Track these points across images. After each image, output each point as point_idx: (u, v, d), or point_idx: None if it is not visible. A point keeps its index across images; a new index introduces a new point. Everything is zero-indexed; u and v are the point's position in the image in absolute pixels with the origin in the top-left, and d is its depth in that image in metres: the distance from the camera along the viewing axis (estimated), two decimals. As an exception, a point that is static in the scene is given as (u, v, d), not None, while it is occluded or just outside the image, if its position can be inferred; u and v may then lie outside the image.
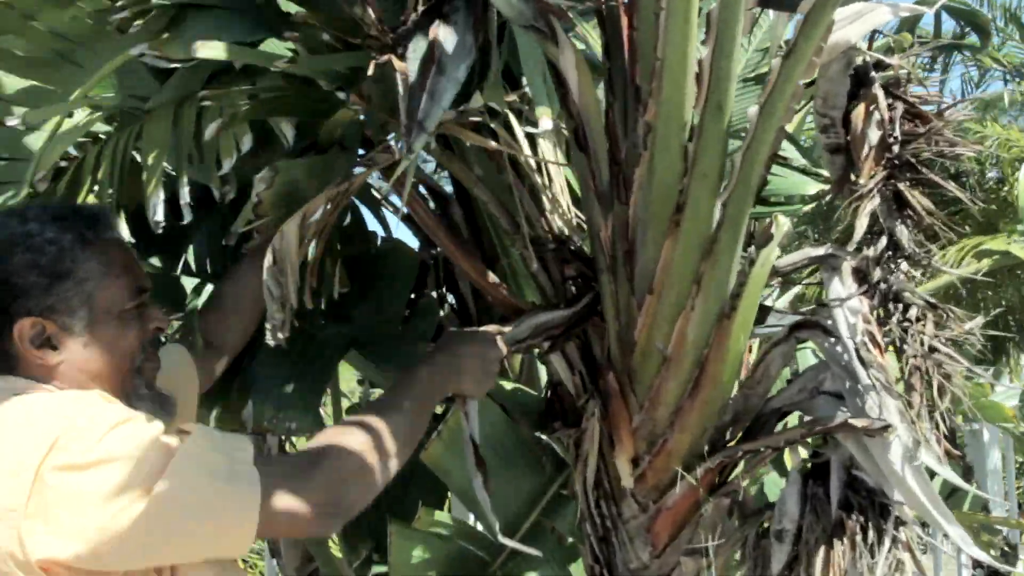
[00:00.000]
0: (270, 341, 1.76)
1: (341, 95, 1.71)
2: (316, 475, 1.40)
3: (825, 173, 2.23)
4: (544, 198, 1.95)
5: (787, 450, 1.89)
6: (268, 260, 1.69)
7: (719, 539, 1.85)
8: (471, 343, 1.76)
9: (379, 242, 2.32)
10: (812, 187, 2.31)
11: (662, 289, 1.74)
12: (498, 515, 2.10)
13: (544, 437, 2.12)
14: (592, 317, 1.89)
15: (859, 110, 1.66)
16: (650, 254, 1.74)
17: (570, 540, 2.45)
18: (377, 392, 2.65)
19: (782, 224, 1.60)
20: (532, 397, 2.32)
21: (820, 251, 1.73)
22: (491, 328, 1.84)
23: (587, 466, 1.95)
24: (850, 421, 1.59)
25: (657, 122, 1.64)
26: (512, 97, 1.77)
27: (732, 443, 1.80)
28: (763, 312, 1.89)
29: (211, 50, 1.55)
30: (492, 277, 1.93)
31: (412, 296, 2.28)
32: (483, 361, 1.76)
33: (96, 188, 1.78)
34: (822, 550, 1.65)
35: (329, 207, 1.76)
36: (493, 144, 1.76)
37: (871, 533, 1.65)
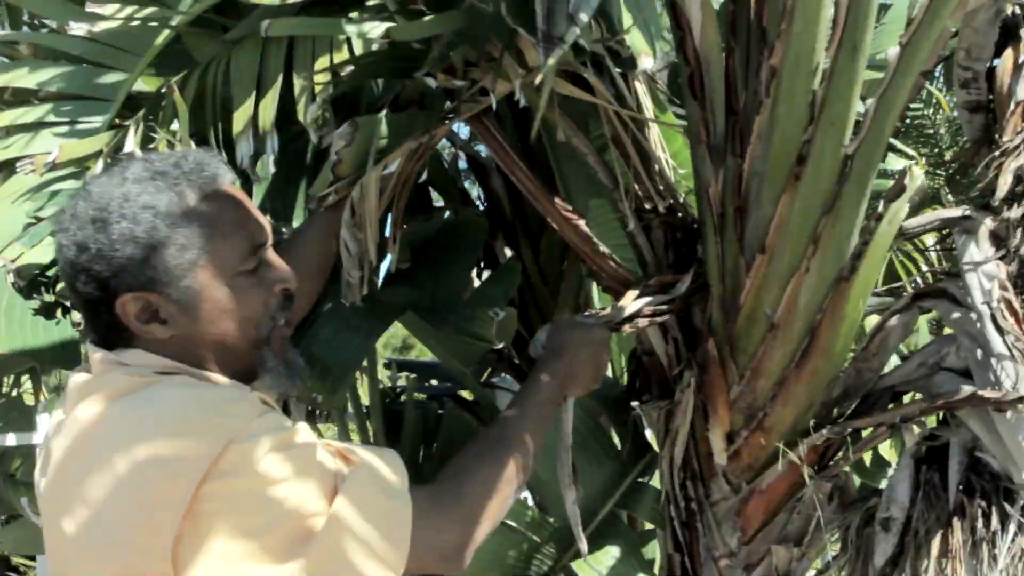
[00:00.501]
0: (345, 301, 1.68)
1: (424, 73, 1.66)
2: (455, 512, 1.30)
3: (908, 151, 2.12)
4: (645, 154, 1.85)
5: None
6: (346, 215, 1.62)
7: (817, 526, 1.74)
8: (584, 340, 1.62)
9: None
10: (897, 163, 2.21)
11: (775, 249, 1.65)
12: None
13: (628, 415, 2.02)
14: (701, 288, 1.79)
15: (1006, 64, 1.57)
16: (764, 211, 1.65)
17: (646, 526, 2.35)
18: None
19: (916, 176, 1.51)
20: (607, 379, 2.22)
21: (955, 212, 1.63)
22: (600, 314, 1.73)
23: (676, 443, 1.85)
24: (980, 393, 1.48)
25: (784, 66, 1.56)
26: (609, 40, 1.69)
27: (840, 420, 1.68)
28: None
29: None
30: (602, 247, 1.83)
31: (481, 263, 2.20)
32: (595, 361, 1.63)
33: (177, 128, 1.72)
34: (936, 540, 1.53)
35: (410, 160, 1.69)
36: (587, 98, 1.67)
37: (994, 520, 1.53)
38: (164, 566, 1.08)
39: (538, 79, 1.38)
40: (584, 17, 1.33)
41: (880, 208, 1.56)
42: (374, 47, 1.64)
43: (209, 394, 1.19)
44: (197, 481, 1.07)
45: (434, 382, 2.59)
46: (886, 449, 2.62)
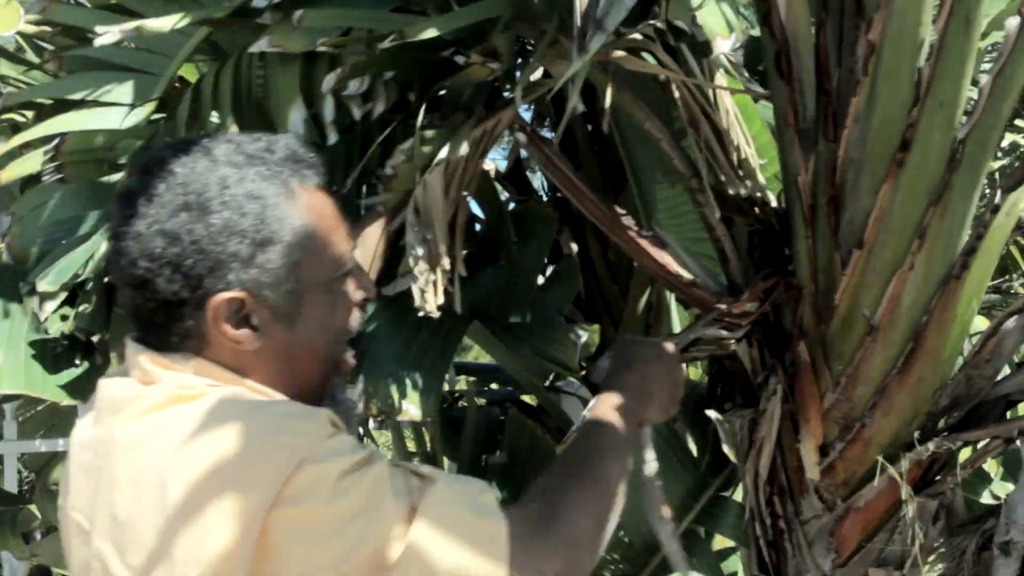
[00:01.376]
0: (423, 310, 1.55)
1: (460, 59, 1.55)
2: (555, 535, 1.12)
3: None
4: (725, 141, 1.73)
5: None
6: (411, 216, 1.52)
7: (921, 549, 1.61)
8: (655, 355, 1.42)
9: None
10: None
11: (874, 243, 1.53)
12: (647, 522, 1.91)
13: (707, 422, 1.90)
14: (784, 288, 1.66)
15: None
16: (862, 202, 1.53)
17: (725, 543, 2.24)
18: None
19: (1040, 163, 1.36)
20: (687, 383, 2.10)
21: (1082, 202, 1.49)
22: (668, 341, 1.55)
23: (761, 455, 1.73)
24: (1117, 405, 1.34)
25: (884, 41, 1.43)
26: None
27: (948, 433, 1.55)
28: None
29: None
30: (684, 273, 1.70)
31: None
32: (672, 377, 1.42)
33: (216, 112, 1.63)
34: (1066, 565, 1.40)
35: (475, 149, 1.59)
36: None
37: None
38: None
39: (566, 75, 1.26)
40: (611, 25, 1.21)
41: (996, 198, 1.42)
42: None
43: (276, 408, 1.06)
44: (266, 507, 0.96)
45: (494, 386, 2.49)
46: (988, 461, 2.47)
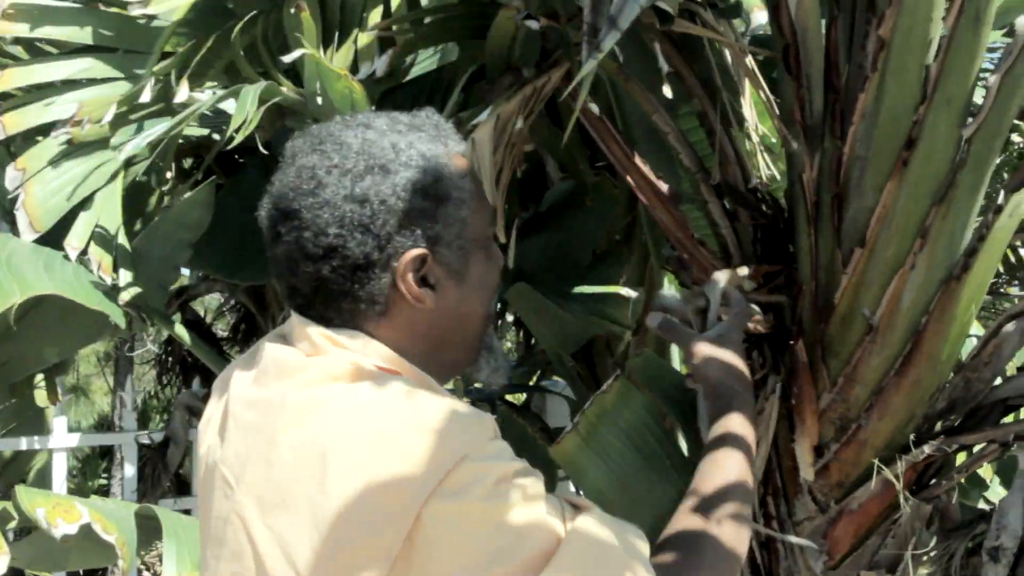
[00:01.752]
0: None
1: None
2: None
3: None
4: (732, 134, 1.73)
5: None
6: None
7: (914, 553, 1.60)
8: (739, 357, 1.43)
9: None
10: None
11: (876, 242, 1.52)
12: (637, 523, 1.90)
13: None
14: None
15: None
16: (866, 200, 1.53)
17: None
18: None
19: (1045, 163, 1.37)
20: (682, 380, 2.10)
21: (1087, 204, 1.48)
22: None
23: (757, 455, 1.72)
24: (1115, 410, 1.34)
25: (894, 36, 1.44)
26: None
27: (944, 436, 1.55)
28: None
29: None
30: (684, 221, 1.71)
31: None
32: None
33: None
34: (1057, 571, 1.39)
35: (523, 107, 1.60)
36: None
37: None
38: None
39: (579, 75, 1.27)
40: (625, 23, 1.22)
41: (1000, 199, 1.42)
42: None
43: (447, 402, 1.05)
44: (423, 498, 0.96)
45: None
46: (983, 467, 2.47)
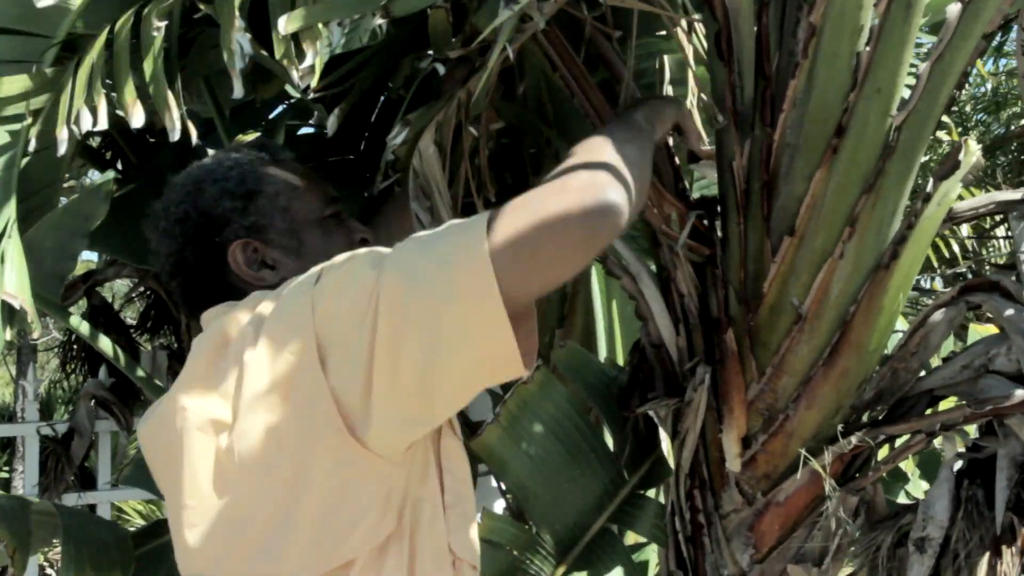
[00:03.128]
0: None
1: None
2: (555, 186, 1.11)
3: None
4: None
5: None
6: (411, 184, 1.58)
7: (840, 545, 1.62)
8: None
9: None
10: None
11: (805, 231, 1.54)
12: (561, 518, 1.89)
13: (629, 413, 1.89)
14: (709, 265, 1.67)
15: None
16: (795, 188, 1.55)
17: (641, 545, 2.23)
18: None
19: (972, 151, 1.39)
20: (606, 372, 2.10)
21: (1013, 195, 1.52)
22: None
23: (684, 446, 1.73)
24: (1037, 400, 1.37)
25: (825, 23, 1.45)
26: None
27: (871, 427, 1.57)
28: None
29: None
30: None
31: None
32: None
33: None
34: (984, 561, 1.42)
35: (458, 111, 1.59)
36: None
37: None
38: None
39: (489, 27, 1.24)
40: None
41: (929, 187, 1.44)
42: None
43: None
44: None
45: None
46: (906, 460, 2.51)
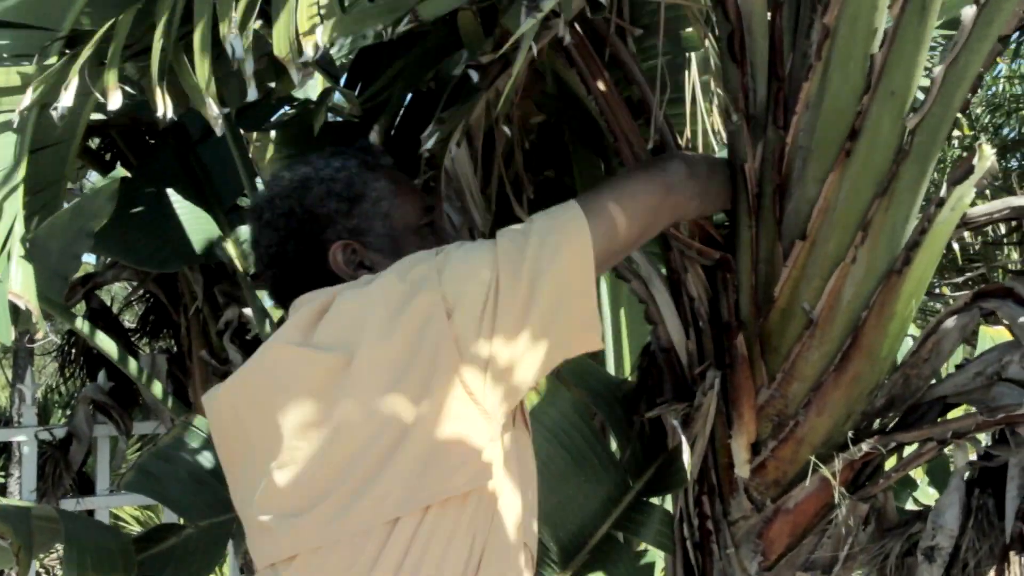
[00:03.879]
0: None
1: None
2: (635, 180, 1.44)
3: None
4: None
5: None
6: (443, 186, 1.61)
7: (850, 553, 1.62)
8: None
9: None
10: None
11: (818, 235, 1.54)
12: (566, 525, 1.89)
13: (637, 417, 1.89)
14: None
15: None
16: (808, 191, 1.55)
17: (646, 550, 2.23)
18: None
19: (986, 156, 1.40)
20: (611, 378, 2.11)
21: (1027, 200, 1.52)
22: None
23: (693, 452, 1.73)
24: (1050, 408, 1.37)
25: (840, 25, 1.46)
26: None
27: (882, 434, 1.57)
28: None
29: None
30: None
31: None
32: None
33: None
34: (993, 571, 1.42)
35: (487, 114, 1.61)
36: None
37: (1058, 555, 1.42)
38: None
39: (515, 35, 1.27)
40: None
41: (943, 192, 1.44)
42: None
43: None
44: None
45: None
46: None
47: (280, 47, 1.35)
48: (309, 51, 1.32)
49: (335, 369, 1.24)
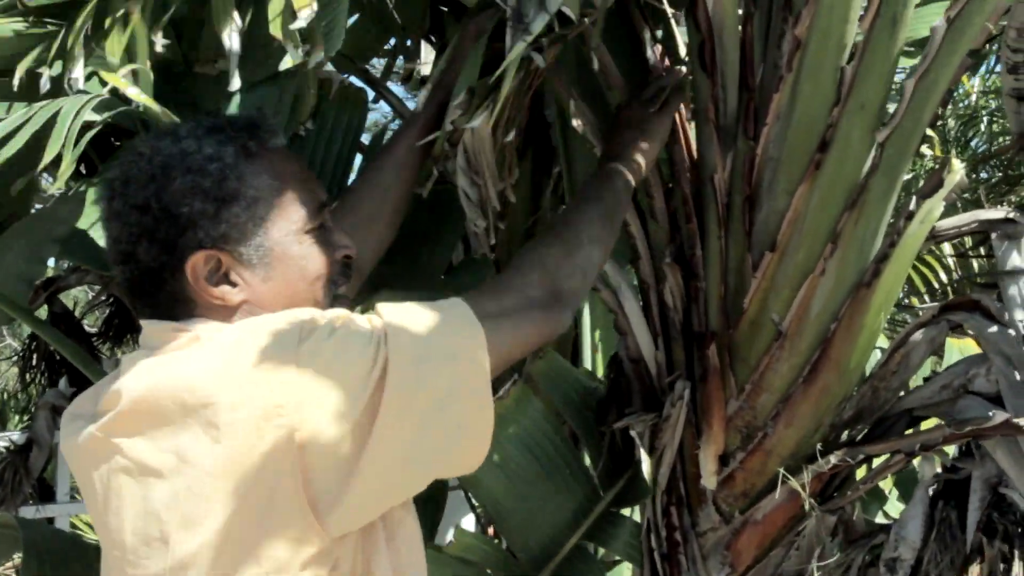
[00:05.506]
0: (475, 254, 1.71)
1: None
2: (516, 282, 1.31)
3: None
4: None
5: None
6: (460, 161, 1.55)
7: (817, 564, 1.63)
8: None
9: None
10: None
11: (787, 246, 1.56)
12: (535, 535, 1.89)
13: (606, 428, 1.89)
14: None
15: (1061, 47, 1.49)
16: (777, 203, 1.57)
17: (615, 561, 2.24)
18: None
19: (956, 170, 1.42)
20: (586, 383, 2.10)
21: (996, 214, 1.54)
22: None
23: (662, 463, 1.74)
24: (1015, 421, 1.39)
25: (810, 37, 1.47)
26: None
27: (850, 446, 1.58)
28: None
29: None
30: None
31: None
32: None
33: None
34: (952, 583, 1.44)
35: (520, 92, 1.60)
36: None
37: (1016, 566, 1.45)
38: None
39: (508, 58, 1.27)
40: (553, 6, 1.23)
41: (912, 205, 1.46)
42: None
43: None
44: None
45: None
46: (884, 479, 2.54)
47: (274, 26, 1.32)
48: (303, 19, 1.28)
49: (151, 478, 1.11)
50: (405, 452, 1.13)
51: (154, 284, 1.21)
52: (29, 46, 1.49)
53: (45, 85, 1.37)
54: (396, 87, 3.08)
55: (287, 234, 1.23)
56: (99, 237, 2.56)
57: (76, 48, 1.36)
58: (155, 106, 1.40)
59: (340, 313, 1.16)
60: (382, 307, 1.18)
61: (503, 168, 1.64)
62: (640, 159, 1.55)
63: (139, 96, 1.39)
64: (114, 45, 1.35)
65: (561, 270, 1.34)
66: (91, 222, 1.92)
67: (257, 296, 1.22)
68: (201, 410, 1.08)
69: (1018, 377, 1.44)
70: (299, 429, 1.07)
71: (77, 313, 3.91)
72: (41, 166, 1.37)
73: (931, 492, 1.58)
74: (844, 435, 1.64)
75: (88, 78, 1.50)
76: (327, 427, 1.08)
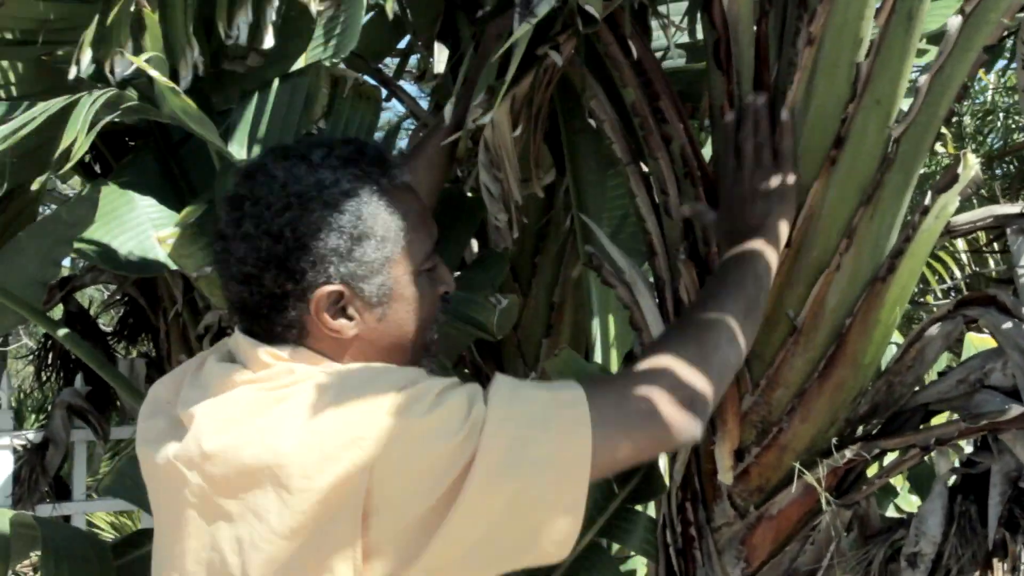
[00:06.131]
0: (496, 247, 1.74)
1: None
2: (644, 384, 1.23)
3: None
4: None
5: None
6: (482, 156, 1.57)
7: (832, 560, 1.64)
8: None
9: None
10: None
11: (802, 242, 1.56)
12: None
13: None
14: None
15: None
16: (793, 199, 1.56)
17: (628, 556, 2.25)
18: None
19: (971, 165, 1.42)
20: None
21: (1012, 209, 1.55)
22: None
23: (676, 458, 1.75)
24: (1032, 415, 1.39)
25: (825, 33, 1.47)
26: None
27: (866, 440, 1.59)
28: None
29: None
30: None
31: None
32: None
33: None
34: (976, 576, 1.44)
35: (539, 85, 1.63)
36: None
37: (1038, 560, 1.45)
38: None
39: (510, 40, 1.29)
40: None
41: (927, 200, 1.46)
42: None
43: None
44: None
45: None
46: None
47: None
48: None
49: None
50: (470, 549, 1.13)
51: (273, 309, 1.23)
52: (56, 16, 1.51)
53: (88, 69, 1.40)
54: (409, 86, 3.10)
55: (406, 273, 1.27)
56: (111, 238, 2.60)
57: (123, 35, 1.39)
58: (191, 104, 1.42)
59: (444, 384, 1.17)
60: (496, 386, 1.18)
61: (527, 164, 1.66)
62: (784, 230, 1.46)
63: (177, 100, 1.42)
64: (150, 40, 1.38)
65: (694, 378, 1.26)
66: (103, 226, 1.95)
67: (370, 333, 1.26)
68: (277, 471, 1.11)
69: (1032, 373, 1.45)
70: (371, 506, 1.09)
71: (92, 312, 3.95)
72: (58, 152, 1.40)
73: (949, 486, 1.58)
74: (859, 430, 1.64)
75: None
76: (397, 508, 1.10)
